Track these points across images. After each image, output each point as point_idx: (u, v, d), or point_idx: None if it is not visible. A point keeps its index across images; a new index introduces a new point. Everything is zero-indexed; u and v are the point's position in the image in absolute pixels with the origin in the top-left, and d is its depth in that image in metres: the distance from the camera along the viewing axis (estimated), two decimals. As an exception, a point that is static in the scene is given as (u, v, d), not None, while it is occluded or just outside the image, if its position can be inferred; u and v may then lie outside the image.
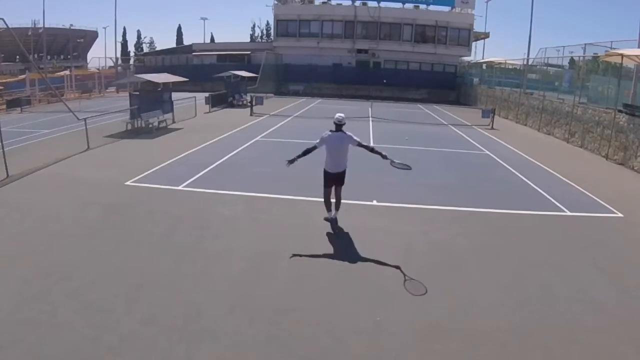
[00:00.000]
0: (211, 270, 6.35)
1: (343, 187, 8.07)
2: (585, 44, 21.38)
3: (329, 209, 8.15)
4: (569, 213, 9.53)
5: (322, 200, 8.09)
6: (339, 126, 7.63)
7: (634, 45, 18.49)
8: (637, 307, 5.77)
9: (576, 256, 7.34)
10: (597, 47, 20.51)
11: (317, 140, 7.67)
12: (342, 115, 7.71)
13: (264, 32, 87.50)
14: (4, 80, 39.07)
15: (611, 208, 9.91)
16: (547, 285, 6.26)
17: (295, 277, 6.22)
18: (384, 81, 44.02)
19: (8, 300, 5.38)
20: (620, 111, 15.90)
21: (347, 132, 7.69)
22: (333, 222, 8.07)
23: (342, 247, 7.23)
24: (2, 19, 12.44)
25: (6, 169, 11.06)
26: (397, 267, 6.50)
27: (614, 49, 17.61)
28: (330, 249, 7.07)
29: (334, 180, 7.89)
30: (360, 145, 7.58)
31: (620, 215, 9.54)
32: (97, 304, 5.34)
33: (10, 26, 13.80)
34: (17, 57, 66.40)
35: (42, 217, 8.30)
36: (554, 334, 5.09)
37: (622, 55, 16.01)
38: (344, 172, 7.90)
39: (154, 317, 5.10)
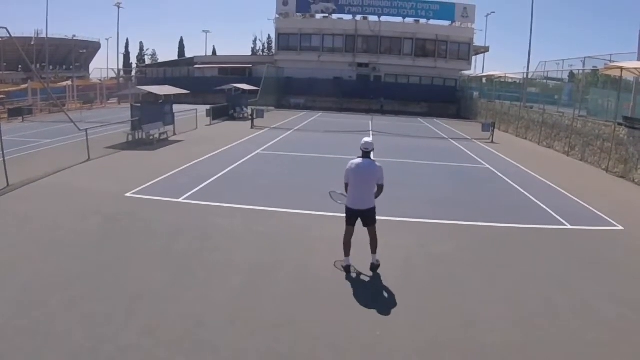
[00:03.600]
0: (210, 282, 6.32)
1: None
2: (584, 57, 21.52)
3: (346, 253, 6.79)
4: (569, 226, 9.51)
5: (323, 214, 7.58)
6: (365, 153, 6.65)
7: (633, 58, 18.59)
8: (639, 320, 5.73)
9: (577, 269, 7.30)
10: (597, 60, 20.63)
11: (344, 175, 6.73)
12: (369, 140, 6.75)
13: (266, 45, 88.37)
14: (6, 89, 39.31)
15: (612, 221, 9.89)
16: (548, 298, 6.22)
17: (294, 290, 6.18)
18: (382, 102, 43.83)
19: (6, 308, 5.35)
20: (620, 124, 15.95)
21: (376, 163, 6.67)
22: (348, 269, 6.77)
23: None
24: (5, 28, 12.58)
25: (7, 178, 11.07)
26: None
27: (614, 62, 17.75)
28: (329, 262, 7.02)
29: (357, 218, 6.73)
30: (380, 188, 6.66)
31: (621, 228, 9.51)
32: (96, 314, 5.30)
33: (13, 35, 13.90)
34: (20, 66, 66.93)
35: (41, 227, 8.29)
36: (555, 348, 5.04)
37: (621, 68, 16.12)
38: (371, 210, 6.68)
39: (153, 328, 5.06)
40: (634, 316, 5.80)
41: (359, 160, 6.63)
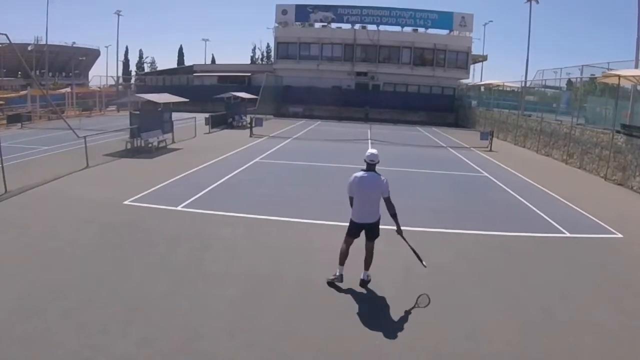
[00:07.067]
0: (209, 292, 6.26)
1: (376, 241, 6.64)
2: (582, 66, 21.71)
3: (341, 262, 6.61)
4: (568, 235, 9.49)
5: (323, 223, 7.38)
6: (370, 166, 6.33)
7: (630, 65, 18.71)
8: (639, 328, 5.70)
9: (577, 278, 7.28)
10: (594, 69, 20.75)
11: (347, 189, 6.46)
12: (374, 152, 6.40)
13: (265, 54, 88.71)
14: (5, 96, 39.25)
15: (611, 229, 9.88)
16: (548, 307, 6.19)
17: (295, 301, 6.13)
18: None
19: (2, 318, 5.30)
20: (618, 132, 16.02)
21: (381, 177, 6.35)
22: (341, 278, 6.57)
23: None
24: (5, 35, 12.56)
25: (5, 184, 11.04)
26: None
27: (611, 69, 17.84)
28: (330, 272, 6.96)
29: (360, 231, 6.53)
30: (387, 201, 6.31)
31: (620, 235, 9.50)
32: (93, 324, 5.25)
33: (12, 42, 13.90)
34: (19, 72, 67.04)
35: (39, 235, 8.24)
36: (556, 357, 5.00)
37: (619, 76, 16.20)
38: (376, 223, 6.48)
39: (150, 339, 5.01)
40: (634, 325, 5.77)
41: (363, 173, 6.34)
